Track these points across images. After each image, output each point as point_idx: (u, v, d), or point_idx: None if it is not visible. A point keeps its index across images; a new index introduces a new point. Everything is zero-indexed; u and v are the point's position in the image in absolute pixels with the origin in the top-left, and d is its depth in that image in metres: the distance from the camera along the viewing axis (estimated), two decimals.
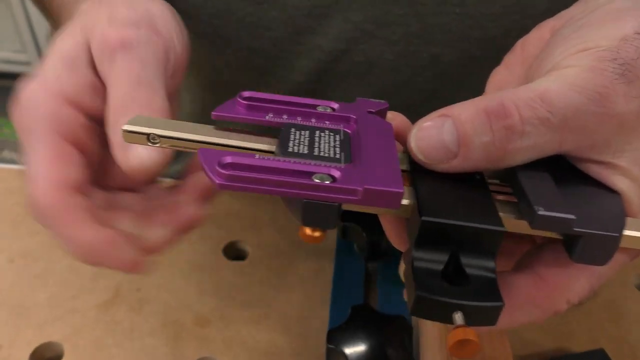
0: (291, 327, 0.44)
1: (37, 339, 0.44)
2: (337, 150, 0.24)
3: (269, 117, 0.26)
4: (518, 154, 0.23)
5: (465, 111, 0.23)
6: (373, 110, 0.27)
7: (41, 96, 0.29)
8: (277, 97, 0.27)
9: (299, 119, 0.26)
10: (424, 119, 0.24)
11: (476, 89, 0.47)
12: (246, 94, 0.27)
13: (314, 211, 0.22)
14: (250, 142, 0.25)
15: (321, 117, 0.26)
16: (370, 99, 0.28)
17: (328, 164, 0.23)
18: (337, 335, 0.41)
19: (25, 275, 0.49)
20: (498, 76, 0.31)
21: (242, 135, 0.26)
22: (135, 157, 0.26)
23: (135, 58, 0.28)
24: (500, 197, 0.25)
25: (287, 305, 0.47)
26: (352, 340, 0.40)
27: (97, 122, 0.30)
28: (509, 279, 0.25)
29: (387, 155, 0.23)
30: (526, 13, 0.43)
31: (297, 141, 0.24)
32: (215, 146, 0.25)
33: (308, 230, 0.23)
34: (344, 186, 0.22)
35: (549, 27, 0.29)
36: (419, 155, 0.24)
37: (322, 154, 0.24)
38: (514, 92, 0.23)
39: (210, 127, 0.26)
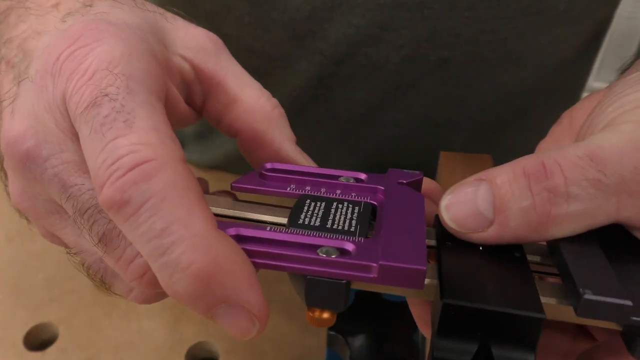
0: (293, 312, 0.44)
1: (32, 320, 0.44)
2: (354, 222, 0.23)
3: (291, 188, 0.25)
4: (564, 221, 0.21)
5: (502, 174, 0.21)
6: (404, 182, 0.25)
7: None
8: (302, 168, 0.26)
9: (323, 190, 0.25)
10: (458, 184, 0.22)
11: (487, 90, 0.48)
12: (269, 165, 0.26)
13: (318, 289, 0.20)
14: (265, 214, 0.24)
15: (347, 188, 0.25)
16: (403, 170, 0.26)
17: (340, 236, 0.21)
18: (339, 321, 0.39)
19: (22, 254, 0.49)
20: (545, 149, 0.28)
21: (260, 207, 0.25)
22: None
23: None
24: (545, 278, 0.23)
25: (290, 290, 0.45)
26: (354, 327, 0.39)
27: None
28: None
29: (413, 228, 0.22)
30: (543, 15, 0.41)
31: (310, 213, 0.23)
32: (227, 219, 0.24)
33: (315, 313, 0.21)
34: (356, 262, 0.20)
35: (598, 97, 0.27)
36: (450, 223, 0.22)
37: (335, 226, 0.22)
38: (558, 150, 0.21)
39: (228, 199, 0.25)
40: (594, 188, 0.20)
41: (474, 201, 0.21)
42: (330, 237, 0.21)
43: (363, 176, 0.26)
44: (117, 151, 0.19)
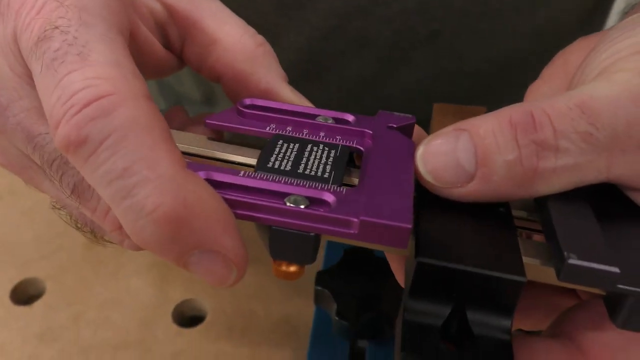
0: None
1: (20, 275, 0.44)
2: (328, 168, 0.21)
3: (270, 128, 0.24)
4: (552, 177, 0.19)
5: (485, 123, 0.20)
6: (394, 126, 0.24)
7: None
8: (285, 105, 0.25)
9: (305, 131, 0.23)
10: (434, 134, 0.21)
11: (481, 61, 0.46)
12: (247, 101, 0.25)
13: (283, 241, 0.19)
14: (237, 154, 0.23)
15: (332, 130, 0.24)
16: (394, 113, 0.25)
17: (314, 184, 0.20)
18: (326, 277, 0.39)
19: (12, 212, 0.49)
20: (537, 92, 0.27)
21: (233, 147, 0.23)
22: None
23: None
24: (531, 235, 0.22)
25: None
26: (342, 283, 0.38)
27: None
28: (534, 344, 0.20)
29: (400, 180, 0.20)
30: None
31: (281, 155, 0.22)
32: (197, 158, 0.23)
33: (281, 266, 0.20)
34: (336, 215, 0.19)
35: (595, 40, 0.25)
36: (426, 176, 0.21)
37: (307, 171, 0.21)
38: (548, 101, 0.20)
39: (202, 137, 0.24)
40: (584, 142, 0.19)
41: (453, 152, 0.20)
42: (302, 185, 0.20)
43: (350, 118, 0.24)
44: (71, 86, 0.18)
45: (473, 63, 0.45)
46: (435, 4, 0.40)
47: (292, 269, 0.20)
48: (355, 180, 0.22)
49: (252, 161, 0.23)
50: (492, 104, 0.46)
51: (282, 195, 0.19)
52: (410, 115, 0.25)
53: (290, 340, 0.39)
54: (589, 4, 0.46)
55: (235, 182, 0.19)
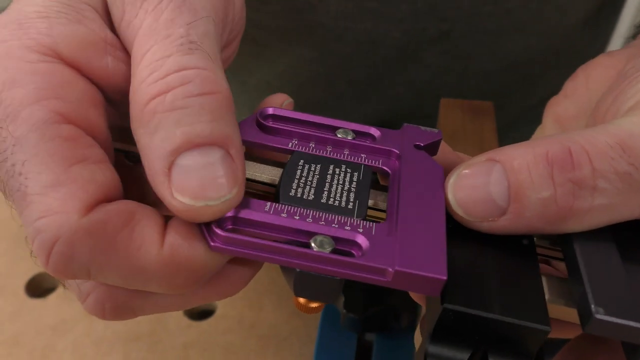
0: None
1: (34, 270, 0.45)
2: (352, 196, 0.20)
3: (293, 144, 0.22)
4: (586, 216, 0.19)
5: (519, 156, 0.19)
6: (421, 145, 0.23)
7: (21, 56, 0.19)
8: (305, 116, 0.23)
9: (329, 148, 0.22)
10: (466, 163, 0.20)
11: (489, 60, 0.46)
12: (269, 110, 0.23)
13: (309, 283, 0.19)
14: (257, 172, 0.22)
15: (356, 148, 0.22)
16: (420, 127, 0.23)
17: (339, 217, 0.19)
18: None
19: None
20: (558, 107, 0.27)
21: (253, 165, 0.22)
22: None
23: (181, 4, 0.20)
24: (553, 263, 0.21)
25: None
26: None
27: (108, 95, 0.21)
28: None
29: (433, 216, 0.19)
30: None
31: (303, 180, 0.21)
32: None
33: (302, 300, 0.20)
34: (369, 264, 0.18)
35: (619, 58, 0.25)
36: (457, 210, 0.20)
37: (331, 200, 0.20)
38: (585, 134, 0.19)
39: None
40: (623, 182, 0.19)
41: (485, 186, 0.19)
42: (328, 220, 0.19)
43: (375, 132, 0.23)
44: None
45: (482, 62, 0.46)
46: (444, 4, 0.40)
47: (314, 305, 0.20)
48: (381, 205, 0.21)
49: (273, 178, 0.22)
50: (501, 102, 0.48)
51: (308, 235, 0.19)
52: (436, 130, 0.23)
53: (298, 333, 0.40)
54: (597, 2, 0.47)
55: (261, 220, 0.19)
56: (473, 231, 0.20)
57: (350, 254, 0.18)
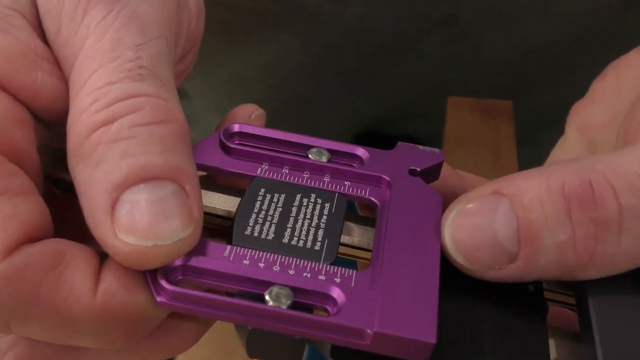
0: None
1: None
2: (320, 234, 0.19)
3: (263, 170, 0.21)
4: (609, 262, 0.18)
5: (531, 189, 0.18)
6: (417, 169, 0.21)
7: None
8: (277, 134, 0.22)
9: (306, 175, 0.21)
10: (467, 196, 0.19)
11: (503, 48, 0.44)
12: (234, 127, 0.22)
13: (264, 342, 0.18)
14: (213, 204, 0.21)
15: (339, 174, 0.21)
16: (418, 146, 0.22)
17: (301, 261, 0.19)
18: None
19: None
20: (584, 114, 0.25)
21: (210, 194, 0.21)
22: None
23: (127, 14, 0.20)
24: (561, 310, 0.21)
25: None
26: None
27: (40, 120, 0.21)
28: None
29: (425, 261, 0.19)
30: None
31: (262, 214, 0.20)
32: None
33: None
34: (343, 324, 0.17)
35: None
36: (456, 256, 0.19)
37: (294, 241, 0.19)
38: (609, 161, 0.18)
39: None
40: None
41: (490, 226, 0.18)
42: (288, 266, 0.18)
43: (361, 152, 0.22)
44: None
45: (494, 49, 0.44)
46: None
47: None
48: (355, 240, 0.21)
49: (231, 208, 0.21)
50: (516, 99, 0.45)
51: (263, 286, 0.18)
52: (437, 151, 0.22)
53: None
54: None
55: (216, 269, 0.18)
56: (469, 280, 0.19)
57: (310, 309, 0.18)
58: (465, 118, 0.38)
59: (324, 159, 0.21)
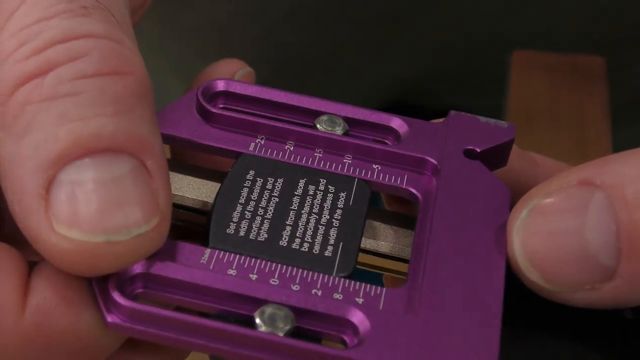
0: None
1: None
2: (332, 234, 0.18)
3: (257, 144, 0.20)
4: None
5: (637, 178, 0.16)
6: (477, 150, 0.20)
7: None
8: (282, 96, 0.21)
9: (318, 154, 0.20)
10: (545, 188, 0.17)
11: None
12: (218, 86, 0.21)
13: None
14: (187, 193, 0.20)
15: (366, 153, 0.20)
16: (478, 117, 0.21)
17: (307, 272, 0.17)
18: None
19: None
20: None
21: (190, 180, 0.20)
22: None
23: None
24: None
25: None
26: None
27: None
28: None
29: (483, 275, 0.17)
30: None
31: (251, 205, 0.19)
32: None
33: None
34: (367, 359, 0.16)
35: None
36: (529, 272, 0.17)
37: (295, 243, 0.18)
38: None
39: None
40: None
41: (578, 231, 0.16)
42: (289, 282, 0.17)
43: (399, 125, 0.20)
44: None
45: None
46: None
47: None
48: (382, 246, 0.19)
49: (208, 197, 0.20)
50: (611, 57, 0.41)
51: (253, 305, 0.17)
52: (506, 124, 0.20)
53: None
54: None
55: (190, 281, 0.17)
56: (545, 299, 0.18)
57: (318, 339, 0.17)
58: (537, 82, 0.34)
59: (339, 130, 0.20)
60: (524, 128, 0.34)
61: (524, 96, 0.34)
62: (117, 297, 0.16)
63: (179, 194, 0.20)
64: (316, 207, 0.19)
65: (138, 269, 0.17)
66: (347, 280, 0.17)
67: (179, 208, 0.19)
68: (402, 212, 0.20)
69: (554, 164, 0.22)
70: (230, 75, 0.23)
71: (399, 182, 0.19)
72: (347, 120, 0.20)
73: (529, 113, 0.33)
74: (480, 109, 0.41)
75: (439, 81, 0.45)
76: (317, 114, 0.20)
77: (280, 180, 0.19)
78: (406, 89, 0.46)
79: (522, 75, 0.34)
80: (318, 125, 0.20)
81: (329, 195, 0.19)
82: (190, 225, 0.20)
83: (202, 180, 0.20)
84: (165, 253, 0.17)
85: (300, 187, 0.19)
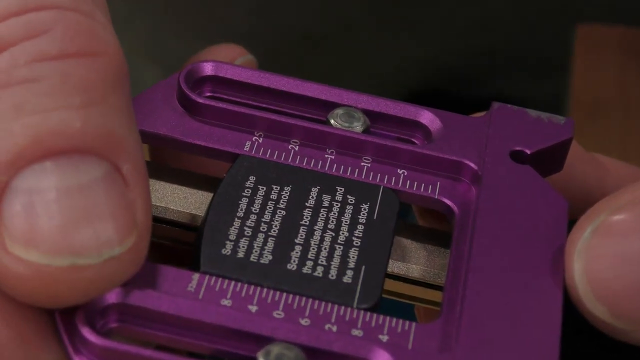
0: None
1: None
2: (352, 256, 0.17)
3: (254, 142, 0.19)
4: None
5: None
6: (527, 152, 0.19)
7: None
8: (286, 83, 0.20)
9: (330, 156, 0.19)
10: (611, 201, 0.16)
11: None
12: (205, 69, 0.20)
13: None
14: (172, 205, 0.19)
15: (387, 154, 0.18)
16: (527, 110, 0.19)
17: (321, 304, 0.16)
18: None
19: None
20: None
21: (171, 188, 0.19)
22: None
23: None
24: None
25: None
26: None
27: None
28: None
29: (535, 307, 0.16)
30: None
31: (251, 221, 0.18)
32: None
33: None
34: None
35: None
36: (593, 306, 0.16)
37: (305, 268, 0.17)
38: None
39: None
40: None
41: None
42: (297, 316, 0.16)
43: (430, 120, 0.19)
44: None
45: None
46: None
47: None
48: (413, 270, 0.18)
49: (197, 209, 0.19)
50: None
51: (256, 343, 0.16)
52: (562, 119, 0.19)
53: None
54: None
55: (174, 313, 0.16)
56: (611, 338, 0.17)
57: None
58: (607, 63, 0.32)
59: (358, 127, 0.19)
60: (589, 121, 0.32)
61: (590, 81, 0.32)
62: (86, 333, 0.15)
63: (162, 205, 0.19)
64: (332, 222, 0.18)
65: (112, 298, 0.16)
66: (368, 313, 0.16)
67: (161, 222, 0.18)
68: (440, 229, 0.19)
69: (627, 169, 0.21)
70: (228, 60, 0.22)
71: (429, 191, 0.19)
72: (368, 114, 0.19)
73: (596, 102, 0.31)
74: (533, 98, 0.39)
75: (479, 64, 0.44)
76: (330, 105, 0.20)
77: (287, 189, 0.18)
78: (433, 75, 0.45)
79: (587, 54, 0.33)
80: (332, 121, 0.19)
81: (348, 207, 0.18)
82: (175, 245, 0.19)
83: (189, 188, 0.19)
84: (144, 279, 0.16)
85: (313, 197, 0.18)
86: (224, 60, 0.22)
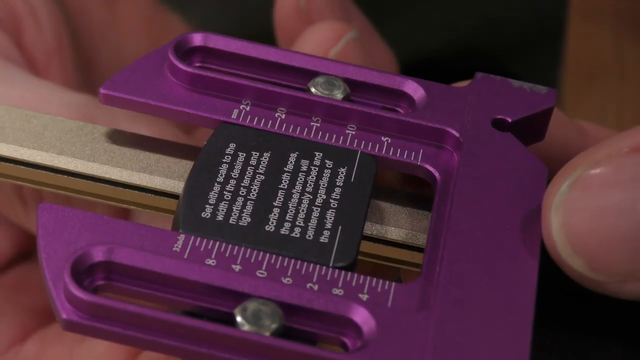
0: None
1: None
2: (329, 217, 0.18)
3: (242, 111, 0.19)
4: None
5: None
6: (508, 120, 0.19)
7: None
8: (272, 53, 0.20)
9: (315, 123, 0.19)
10: (587, 156, 0.17)
11: None
12: (194, 39, 0.20)
13: None
14: (154, 174, 0.19)
15: (372, 122, 0.19)
16: (509, 80, 0.20)
17: (299, 263, 0.17)
18: None
19: None
20: None
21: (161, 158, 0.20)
22: None
23: None
24: None
25: None
26: None
27: None
28: None
29: (512, 265, 0.17)
30: None
31: (231, 185, 0.18)
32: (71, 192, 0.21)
33: None
34: None
35: None
36: (571, 258, 0.16)
37: (284, 228, 0.17)
38: None
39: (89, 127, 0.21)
40: None
41: (632, 209, 0.16)
42: (278, 274, 0.16)
43: (414, 89, 0.20)
44: None
45: None
46: None
47: None
48: (391, 232, 0.19)
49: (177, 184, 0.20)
50: None
51: (234, 299, 0.16)
52: (544, 89, 0.20)
53: None
54: None
55: (148, 269, 0.16)
56: (588, 291, 0.18)
57: (312, 341, 0.16)
58: (601, 31, 0.31)
59: (339, 95, 0.19)
60: (586, 88, 0.32)
61: (585, 49, 0.32)
62: (74, 289, 0.15)
63: (147, 174, 0.19)
64: (310, 185, 0.18)
65: (99, 256, 0.16)
66: (349, 274, 0.16)
67: (145, 191, 0.19)
68: (419, 193, 0.20)
69: (609, 134, 0.21)
70: (332, 44, 0.22)
71: (412, 157, 0.19)
72: (349, 82, 0.20)
73: (592, 69, 0.31)
74: (526, 68, 0.40)
75: (469, 42, 0.44)
76: (312, 74, 0.20)
77: (266, 155, 0.19)
78: (425, 54, 0.45)
79: (582, 24, 0.32)
80: (312, 89, 0.19)
81: (325, 171, 0.19)
82: (159, 213, 0.19)
83: (173, 158, 0.19)
84: (131, 238, 0.17)
85: (291, 162, 0.19)
86: (326, 38, 0.22)
